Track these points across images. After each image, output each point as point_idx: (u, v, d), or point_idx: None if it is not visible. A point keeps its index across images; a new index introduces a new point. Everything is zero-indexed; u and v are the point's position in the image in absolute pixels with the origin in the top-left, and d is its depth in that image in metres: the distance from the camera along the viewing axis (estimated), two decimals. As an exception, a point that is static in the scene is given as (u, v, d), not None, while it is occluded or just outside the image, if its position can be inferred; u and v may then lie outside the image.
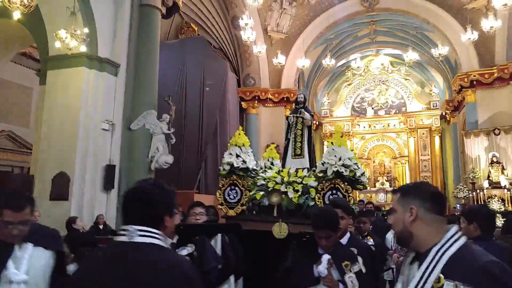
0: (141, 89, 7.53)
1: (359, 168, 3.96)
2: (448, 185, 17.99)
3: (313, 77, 18.58)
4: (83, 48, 6.12)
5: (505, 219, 5.43)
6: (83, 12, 6.59)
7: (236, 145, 4.45)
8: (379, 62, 19.63)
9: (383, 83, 20.30)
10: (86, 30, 6.15)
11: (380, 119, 20.29)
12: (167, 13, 8.47)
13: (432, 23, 14.16)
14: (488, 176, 12.37)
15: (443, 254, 1.25)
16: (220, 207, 4.62)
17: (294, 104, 5.86)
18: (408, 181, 19.45)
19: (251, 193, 4.11)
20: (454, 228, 1.30)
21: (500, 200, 11.87)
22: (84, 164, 6.72)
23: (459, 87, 13.79)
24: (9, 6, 5.15)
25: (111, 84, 7.15)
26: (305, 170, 4.59)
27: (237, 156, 4.35)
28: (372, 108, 20.60)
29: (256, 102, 15.33)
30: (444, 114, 17.94)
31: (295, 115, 5.53)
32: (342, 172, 3.69)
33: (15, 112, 13.71)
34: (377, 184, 19.74)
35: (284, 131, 15.76)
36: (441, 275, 1.23)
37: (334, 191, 3.73)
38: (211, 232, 2.45)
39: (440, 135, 18.62)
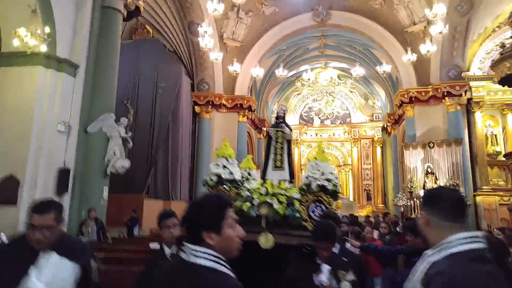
0: (100, 91, 7.27)
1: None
2: (388, 193, 19.26)
3: (265, 85, 19.03)
4: (43, 48, 5.79)
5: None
6: (43, 11, 6.22)
7: (222, 157, 4.49)
8: (327, 75, 20.57)
9: (330, 95, 21.31)
10: (47, 29, 5.83)
11: (326, 129, 21.24)
12: (127, 16, 8.28)
13: (377, 42, 15.21)
14: (424, 186, 13.48)
15: (431, 255, 1.35)
16: None
17: (274, 119, 6.03)
18: (351, 189, 20.57)
19: (238, 204, 4.17)
20: (451, 237, 1.34)
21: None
22: (36, 167, 6.32)
23: (400, 102, 14.94)
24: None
25: (69, 85, 6.82)
26: (287, 182, 4.76)
27: (224, 167, 4.40)
28: (319, 117, 21.51)
29: (210, 107, 15.35)
30: (385, 126, 19.21)
31: (276, 129, 5.70)
32: (326, 186, 3.92)
33: None
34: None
35: (237, 137, 16.07)
36: (423, 275, 1.33)
37: (317, 203, 3.93)
38: None
39: (381, 145, 19.91)
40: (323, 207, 3.84)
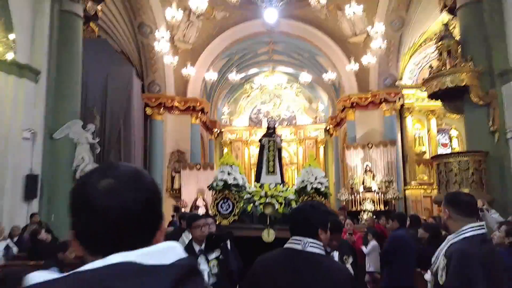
0: (64, 97, 7.22)
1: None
2: (330, 188, 20.62)
3: (215, 87, 19.38)
4: (9, 56, 5.68)
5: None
6: (2, 17, 6.05)
7: (227, 164, 4.92)
8: (274, 78, 21.45)
9: (278, 97, 22.22)
10: (11, 36, 5.72)
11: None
12: (86, 20, 8.22)
13: (322, 50, 16.32)
14: (363, 182, 14.83)
15: (452, 239, 2.02)
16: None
17: (267, 129, 6.57)
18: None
19: (242, 205, 4.65)
20: (466, 226, 1.99)
21: (371, 201, 14.36)
22: (2, 174, 6.17)
23: (342, 107, 16.20)
24: None
25: (31, 91, 6.69)
26: (281, 185, 5.30)
27: (228, 173, 4.82)
28: (267, 120, 22.32)
29: (162, 109, 15.39)
30: (328, 128, 20.56)
31: (268, 138, 6.22)
32: (319, 188, 4.54)
33: None
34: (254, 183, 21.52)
35: (190, 139, 16.27)
36: (443, 254, 2.03)
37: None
38: (224, 240, 2.97)
39: (324, 145, 21.24)
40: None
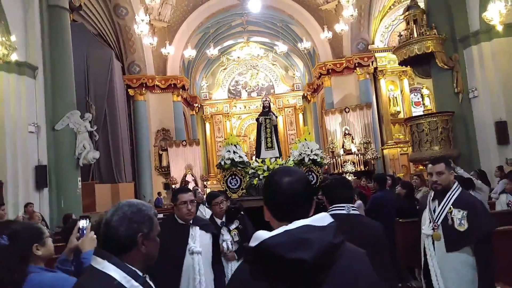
0: (60, 89, 7.51)
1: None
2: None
3: (193, 62, 19.52)
4: (13, 57, 5.91)
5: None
6: (1, 20, 6.19)
7: (231, 144, 5.48)
8: (250, 49, 21.68)
9: (254, 68, 22.55)
10: (13, 38, 5.91)
11: (253, 100, 22.57)
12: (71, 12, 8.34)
13: (296, 19, 16.66)
14: (343, 145, 15.74)
15: (452, 195, 2.48)
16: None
17: (262, 108, 7.11)
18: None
19: (248, 180, 5.27)
20: (456, 183, 2.53)
21: (352, 163, 15.36)
22: (14, 167, 6.62)
23: (319, 74, 16.80)
24: None
25: (31, 86, 6.97)
26: (280, 159, 5.93)
27: (234, 152, 5.40)
28: (246, 90, 22.74)
29: (143, 89, 15.58)
30: (305, 95, 21.21)
31: (264, 117, 6.79)
32: (316, 159, 5.20)
33: None
34: (253, 158, 22.24)
35: (173, 116, 16.62)
36: (451, 206, 2.48)
37: (309, 173, 5.21)
38: (240, 211, 3.61)
39: (303, 112, 21.97)
40: (314, 175, 5.16)
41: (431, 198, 2.64)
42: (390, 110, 16.44)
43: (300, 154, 5.41)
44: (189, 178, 16.31)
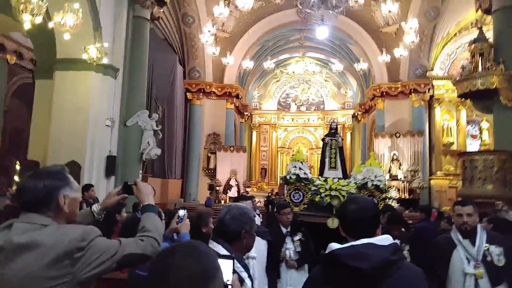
0: (134, 90, 8.39)
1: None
2: (355, 174, 21.42)
3: (248, 72, 20.18)
4: (105, 60, 6.76)
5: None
6: (93, 21, 7.12)
7: (297, 160, 5.90)
8: (304, 64, 22.03)
9: (306, 83, 22.85)
10: (106, 44, 6.76)
11: (302, 114, 22.87)
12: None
13: (354, 39, 16.79)
14: (389, 170, 15.55)
15: (483, 233, 2.65)
16: None
17: (329, 129, 7.52)
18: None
19: (310, 196, 5.65)
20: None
21: (396, 189, 15.12)
22: (91, 155, 7.59)
23: (372, 96, 16.77)
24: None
25: (112, 86, 7.88)
26: (342, 180, 6.25)
27: (300, 168, 5.80)
28: (295, 104, 23.06)
29: (201, 94, 16.39)
30: (356, 114, 21.15)
31: (331, 138, 7.18)
32: (379, 185, 5.47)
33: None
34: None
35: (225, 122, 17.24)
36: (487, 244, 2.61)
37: (371, 198, 5.47)
38: (304, 225, 3.96)
39: (351, 131, 21.90)
40: (375, 200, 5.40)
41: (460, 237, 2.72)
42: (442, 140, 16.02)
43: (363, 179, 5.61)
44: (232, 182, 16.84)
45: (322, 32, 11.47)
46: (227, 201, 15.89)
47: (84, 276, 1.40)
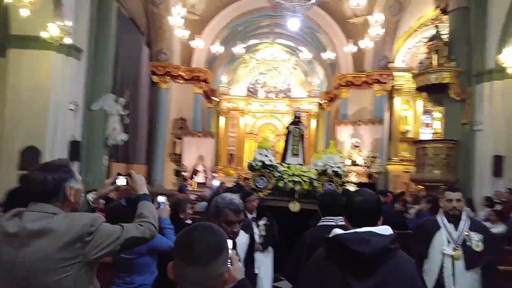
0: (99, 73, 8.19)
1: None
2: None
3: (217, 57, 20.07)
4: (68, 40, 6.57)
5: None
6: (61, 5, 6.85)
7: (263, 148, 6.09)
8: (273, 50, 22.19)
9: (275, 69, 23.06)
10: (69, 23, 6.56)
11: (270, 101, 23.15)
12: None
13: (323, 28, 17.12)
14: (350, 156, 16.21)
15: (467, 220, 2.85)
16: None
17: (293, 118, 7.71)
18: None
19: (274, 182, 5.89)
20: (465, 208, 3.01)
21: (356, 174, 15.82)
22: (53, 139, 7.31)
23: (338, 85, 17.27)
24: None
25: (75, 68, 7.62)
26: (303, 166, 6.52)
27: (265, 155, 6.00)
28: (264, 90, 23.29)
29: (167, 77, 16.20)
30: (321, 102, 21.68)
31: (295, 126, 7.40)
32: (338, 171, 5.79)
33: None
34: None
35: (192, 107, 17.18)
36: (468, 230, 2.82)
37: (330, 183, 5.80)
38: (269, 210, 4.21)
39: (316, 119, 22.45)
40: (333, 185, 5.75)
41: (445, 221, 2.94)
42: (400, 128, 16.86)
43: (324, 165, 5.93)
44: (199, 168, 16.95)
45: (294, 24, 11.62)
46: (194, 186, 16.03)
47: (92, 257, 1.61)
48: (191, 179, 16.45)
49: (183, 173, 16.61)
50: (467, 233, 2.81)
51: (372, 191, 1.81)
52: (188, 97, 16.73)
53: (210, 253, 1.18)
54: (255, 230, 3.94)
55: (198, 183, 16.66)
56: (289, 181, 5.89)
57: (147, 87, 15.79)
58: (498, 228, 5.62)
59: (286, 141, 7.58)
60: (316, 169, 6.04)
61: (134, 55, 14.57)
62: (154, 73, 16.03)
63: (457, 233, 2.84)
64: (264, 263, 3.90)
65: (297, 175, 5.90)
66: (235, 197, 2.09)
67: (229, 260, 1.29)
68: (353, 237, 1.54)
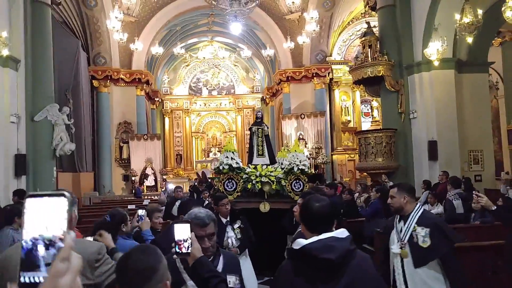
0: (40, 82, 7.75)
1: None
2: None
3: (156, 57, 19.69)
4: (4, 51, 6.12)
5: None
6: None
7: (229, 151, 6.11)
8: (213, 48, 22.25)
9: (216, 67, 23.14)
10: (4, 33, 6.11)
11: (213, 99, 23.23)
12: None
13: (260, 25, 17.54)
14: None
15: (415, 215, 2.67)
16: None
17: (255, 119, 7.71)
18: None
19: (242, 184, 5.95)
20: (418, 204, 2.77)
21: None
22: None
23: (279, 80, 17.85)
24: None
25: (14, 79, 7.15)
26: (270, 166, 6.62)
27: (232, 158, 6.03)
28: (207, 88, 23.29)
29: (108, 81, 15.63)
30: (264, 97, 22.21)
31: (257, 127, 7.42)
32: (304, 169, 5.99)
33: None
34: (211, 154, 22.85)
35: (136, 110, 16.78)
36: (415, 225, 2.66)
37: (297, 180, 5.99)
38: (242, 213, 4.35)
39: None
40: (301, 183, 5.99)
41: (398, 219, 2.83)
42: (341, 118, 17.90)
43: (289, 164, 6.14)
44: (148, 171, 16.64)
45: (236, 28, 11.85)
46: (144, 190, 15.72)
47: (101, 281, 1.75)
48: (141, 184, 16.12)
49: (132, 177, 16.24)
50: (414, 229, 2.68)
51: (323, 197, 1.89)
52: (130, 100, 16.30)
53: (142, 277, 1.26)
54: (231, 233, 4.02)
55: (148, 187, 16.37)
56: (257, 182, 6.07)
57: (88, 93, 15.12)
58: (437, 209, 6.26)
59: (250, 143, 7.71)
60: (282, 168, 6.28)
61: (70, 60, 13.86)
62: (94, 78, 15.39)
63: (404, 230, 2.72)
64: (244, 265, 4.07)
65: (264, 176, 6.10)
66: (202, 211, 2.01)
67: (189, 241, 1.56)
68: (319, 245, 1.57)
